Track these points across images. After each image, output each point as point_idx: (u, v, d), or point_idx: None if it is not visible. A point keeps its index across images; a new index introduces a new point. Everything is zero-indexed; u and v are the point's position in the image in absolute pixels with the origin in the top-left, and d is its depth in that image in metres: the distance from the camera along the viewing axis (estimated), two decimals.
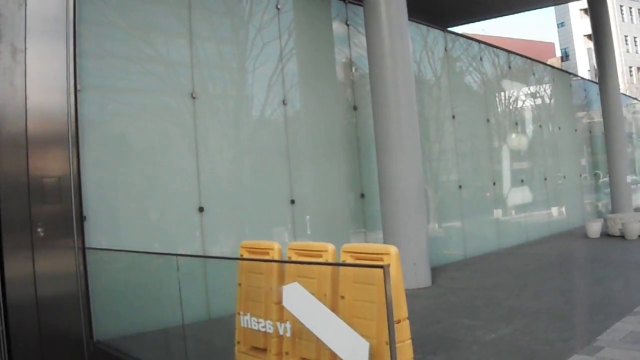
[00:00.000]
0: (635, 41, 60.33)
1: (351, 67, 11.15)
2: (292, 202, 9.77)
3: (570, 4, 56.87)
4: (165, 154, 8.51)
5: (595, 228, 15.05)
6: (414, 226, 9.76)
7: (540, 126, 17.11)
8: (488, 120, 14.49)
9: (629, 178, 19.01)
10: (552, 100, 18.35)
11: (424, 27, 13.05)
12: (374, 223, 10.68)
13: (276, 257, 5.10)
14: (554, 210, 17.30)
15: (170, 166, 8.51)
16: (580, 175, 19.27)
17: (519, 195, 15.47)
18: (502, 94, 15.64)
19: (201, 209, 8.60)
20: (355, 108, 11.03)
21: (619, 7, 59.02)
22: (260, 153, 9.64)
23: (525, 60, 16.97)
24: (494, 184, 14.39)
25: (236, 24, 9.71)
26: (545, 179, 16.93)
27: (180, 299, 5.56)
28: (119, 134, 8.17)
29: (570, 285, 8.77)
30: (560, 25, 62.02)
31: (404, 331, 4.07)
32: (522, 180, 15.66)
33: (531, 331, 6.37)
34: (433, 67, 13.21)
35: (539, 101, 17.52)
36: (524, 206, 15.67)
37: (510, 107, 15.88)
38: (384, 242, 9.90)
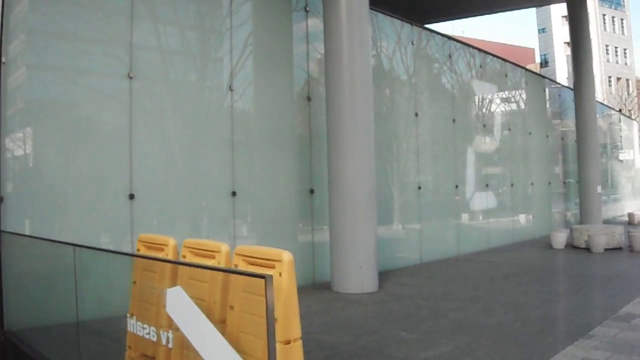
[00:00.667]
0: (616, 51, 60.33)
1: (307, 56, 10.36)
2: (234, 194, 8.98)
3: (553, 10, 56.85)
4: (97, 136, 7.75)
5: (560, 239, 14.46)
6: (363, 227, 9.07)
7: (509, 129, 16.47)
8: (454, 121, 13.80)
9: (599, 188, 18.45)
10: (525, 105, 17.73)
11: (397, 22, 12.40)
12: (322, 221, 9.95)
13: (170, 255, 4.34)
14: (520, 218, 16.69)
15: (100, 149, 7.73)
16: (549, 183, 18.64)
17: (482, 200, 14.83)
18: (472, 94, 14.96)
19: (132, 196, 7.81)
20: (309, 99, 10.25)
21: (601, 16, 58.99)
22: (202, 141, 8.84)
23: (499, 62, 16.31)
24: (457, 187, 13.72)
25: (192, 7, 8.94)
26: (512, 184, 16.31)
27: (76, 293, 4.93)
28: (48, 113, 7.39)
29: (525, 300, 8.08)
30: (541, 31, 61.83)
31: (294, 355, 3.31)
32: (487, 185, 15.01)
33: (472, 350, 5.66)
34: (405, 64, 12.50)
35: (510, 104, 16.90)
36: (488, 212, 15.04)
37: (480, 108, 15.22)
38: (330, 243, 9.23)
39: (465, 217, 14.05)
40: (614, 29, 60.70)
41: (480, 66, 15.26)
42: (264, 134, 9.60)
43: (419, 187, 12.42)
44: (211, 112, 9.04)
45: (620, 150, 28.97)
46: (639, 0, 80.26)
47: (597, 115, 25.62)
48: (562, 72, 55.51)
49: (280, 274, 3.23)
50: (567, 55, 55.72)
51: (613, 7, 60.90)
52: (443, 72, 13.90)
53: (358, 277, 8.91)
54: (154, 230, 8.16)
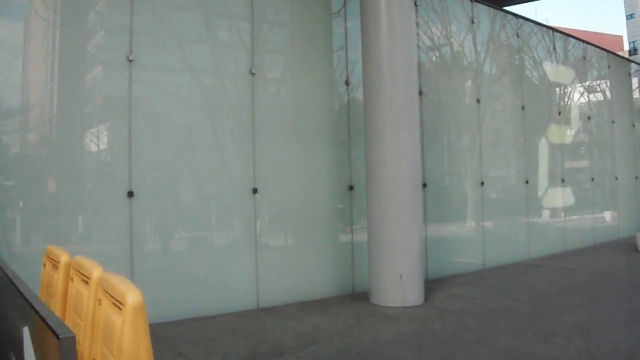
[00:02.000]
0: None
1: (346, 34, 9.12)
2: (255, 191, 7.86)
3: None
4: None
5: None
6: (405, 229, 7.79)
7: (589, 118, 14.69)
8: (523, 108, 12.23)
9: None
10: (607, 91, 15.86)
11: (467, 2, 11.05)
12: (364, 221, 8.67)
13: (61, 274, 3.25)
14: (602, 216, 14.87)
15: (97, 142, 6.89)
16: (637, 178, 16.65)
17: (558, 197, 13.18)
18: (546, 79, 13.32)
19: (131, 194, 6.82)
20: (347, 83, 9.00)
21: None
22: (217, 131, 7.79)
23: (577, 44, 14.55)
24: (527, 182, 12.15)
25: None
26: (593, 179, 14.52)
27: None
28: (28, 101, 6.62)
29: (598, 321, 6.61)
30: (629, 17, 58.06)
31: None
32: (563, 180, 13.32)
33: None
34: (469, 46, 11.15)
35: (591, 90, 15.08)
36: (565, 209, 13.38)
37: (554, 94, 13.54)
38: (368, 247, 7.98)
39: (537, 215, 12.47)
40: None
41: (554, 48, 13.57)
42: (294, 124, 8.46)
43: (482, 183, 10.96)
44: (229, 99, 7.92)
45: None
46: None
47: None
48: None
49: (122, 323, 2.04)
50: None
51: None
52: (513, 55, 12.34)
53: (398, 288, 7.63)
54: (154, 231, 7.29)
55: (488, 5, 11.67)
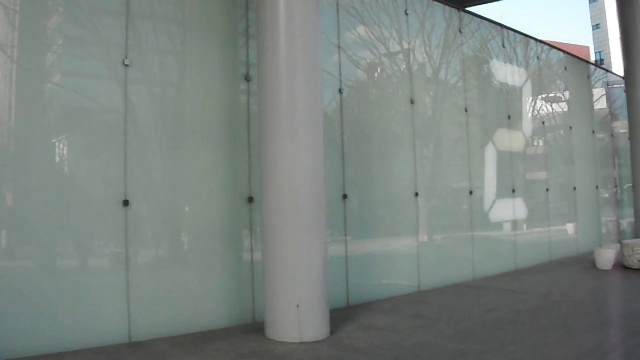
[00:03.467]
0: None
1: (247, 25, 7.73)
2: (126, 203, 6.43)
3: (607, 5, 52.82)
4: None
5: (606, 257, 11.43)
6: (304, 249, 6.40)
7: (543, 123, 13.43)
8: (466, 111, 10.94)
9: None
10: (564, 93, 14.66)
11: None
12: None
13: None
14: (559, 230, 13.58)
15: None
16: (597, 188, 15.44)
17: (508, 210, 11.87)
18: (492, 77, 12.04)
19: None
20: (247, 78, 7.59)
21: None
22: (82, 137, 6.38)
23: (527, 40, 13.31)
24: (471, 193, 10.82)
25: None
26: (548, 189, 13.23)
27: None
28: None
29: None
30: (596, 27, 57.71)
31: None
32: (514, 191, 12.01)
33: None
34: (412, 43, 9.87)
35: (544, 92, 13.85)
36: (516, 223, 12.07)
37: (503, 96, 12.25)
38: (263, 270, 6.60)
39: (483, 230, 11.14)
40: None
41: (504, 45, 12.31)
42: (179, 126, 7.05)
43: (417, 194, 9.61)
44: (91, 96, 6.48)
45: None
46: None
47: None
48: (620, 70, 51.30)
49: None
50: None
51: None
52: (454, 53, 11.04)
53: (295, 320, 6.22)
54: None
55: (446, 4, 10.50)
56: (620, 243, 11.96)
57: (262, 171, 6.58)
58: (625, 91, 15.37)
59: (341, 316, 7.34)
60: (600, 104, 16.95)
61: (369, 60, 9.32)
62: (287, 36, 6.55)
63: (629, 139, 15.26)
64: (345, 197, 8.43)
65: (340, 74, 8.71)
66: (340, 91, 8.64)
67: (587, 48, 58.50)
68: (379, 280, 8.92)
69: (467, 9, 12.07)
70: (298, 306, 6.21)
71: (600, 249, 11.69)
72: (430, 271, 9.68)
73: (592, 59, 55.94)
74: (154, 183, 6.85)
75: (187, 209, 7.02)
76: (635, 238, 14.72)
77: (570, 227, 14.10)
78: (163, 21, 7.10)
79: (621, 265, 11.41)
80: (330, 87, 8.50)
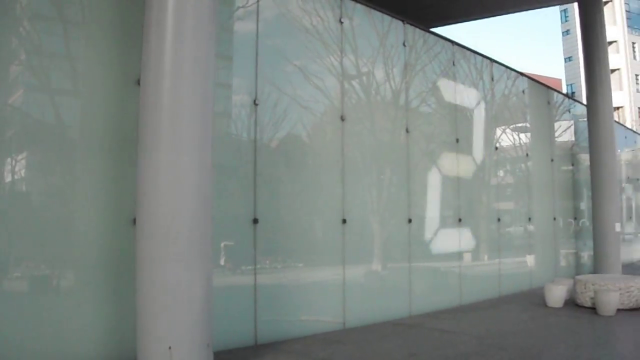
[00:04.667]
0: None
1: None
2: None
3: (580, 38, 52.84)
4: None
5: (557, 294, 10.55)
6: (179, 280, 5.36)
7: (496, 149, 12.58)
8: (407, 131, 10.05)
9: (619, 226, 14.35)
10: (521, 118, 13.89)
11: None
12: None
13: None
14: (510, 262, 12.69)
15: None
16: (554, 219, 14.62)
17: (453, 240, 10.96)
18: (439, 98, 11.18)
19: None
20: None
21: (630, 45, 54.78)
22: None
23: (482, 61, 12.51)
24: (410, 221, 9.89)
25: None
26: (499, 219, 12.36)
27: None
28: None
29: None
30: (568, 60, 57.75)
31: None
32: (460, 220, 11.10)
33: None
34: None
35: (499, 116, 13.04)
36: (462, 255, 11.15)
37: (451, 117, 11.40)
38: (136, 302, 5.54)
39: (424, 261, 10.21)
40: None
41: (454, 63, 11.49)
42: (47, 133, 6.04)
43: (344, 220, 8.67)
44: None
45: None
46: None
47: (630, 149, 21.93)
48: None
49: None
50: None
51: None
52: (392, 68, 10.18)
53: None
54: None
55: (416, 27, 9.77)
56: (574, 279, 11.06)
57: (137, 188, 5.57)
58: (587, 113, 14.61)
59: (238, 358, 6.33)
60: (568, 136, 16.25)
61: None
62: (175, 36, 5.60)
63: (590, 169, 14.53)
64: (255, 221, 7.44)
65: (256, 85, 7.78)
66: (255, 102, 7.70)
67: (559, 80, 58.56)
68: (295, 316, 7.94)
69: (432, 29, 11.40)
70: (170, 348, 5.19)
71: (550, 284, 10.81)
72: (358, 306, 8.70)
73: (565, 90, 55.92)
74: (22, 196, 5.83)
75: (57, 232, 5.97)
76: (594, 272, 13.93)
77: (523, 260, 13.22)
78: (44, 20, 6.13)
79: (574, 303, 10.53)
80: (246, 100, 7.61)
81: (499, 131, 12.88)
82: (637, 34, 56.11)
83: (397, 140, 9.96)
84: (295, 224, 8.19)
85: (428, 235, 10.36)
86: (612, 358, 6.75)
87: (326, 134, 8.78)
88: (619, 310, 9.66)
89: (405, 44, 10.24)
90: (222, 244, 7.16)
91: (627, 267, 16.57)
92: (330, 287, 8.51)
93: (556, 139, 15.50)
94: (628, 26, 55.14)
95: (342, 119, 8.83)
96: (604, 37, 14.93)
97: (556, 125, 15.64)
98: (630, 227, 21.24)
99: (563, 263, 15.38)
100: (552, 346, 7.33)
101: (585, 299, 10.29)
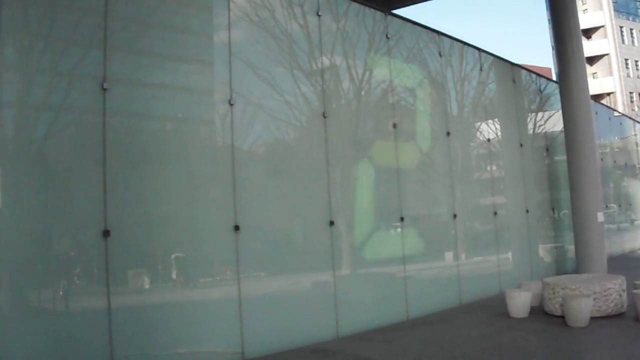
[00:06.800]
0: (636, 65, 53.97)
1: None
2: None
3: None
4: None
5: (521, 302, 8.83)
6: None
7: (448, 134, 10.78)
8: (324, 116, 8.32)
9: (601, 216, 12.51)
10: (483, 100, 12.14)
11: None
12: None
13: None
14: (473, 264, 10.92)
15: None
16: (527, 211, 12.84)
17: (393, 242, 9.21)
18: (369, 76, 9.43)
19: None
20: None
21: (618, 28, 53.03)
22: None
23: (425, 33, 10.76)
24: (332, 223, 8.14)
25: None
26: (455, 215, 10.57)
27: None
28: None
29: None
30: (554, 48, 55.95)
31: None
32: (402, 219, 9.33)
33: None
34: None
35: (452, 96, 11.27)
36: (406, 259, 9.36)
37: (386, 98, 9.63)
38: None
39: (355, 268, 8.48)
40: (632, 41, 54.43)
41: (387, 36, 9.74)
42: None
43: (237, 227, 6.95)
44: None
45: None
46: None
47: (619, 137, 20.33)
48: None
49: None
50: (592, 74, 50.12)
51: (630, 18, 54.82)
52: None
53: None
54: None
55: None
56: (543, 282, 9.29)
57: None
58: (559, 92, 12.84)
59: None
60: (542, 119, 14.54)
61: None
62: None
63: (566, 154, 12.76)
64: (107, 233, 5.75)
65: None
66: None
67: (549, 69, 56.73)
68: (173, 348, 6.22)
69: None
70: None
71: (512, 291, 9.06)
72: (262, 331, 7.00)
73: (554, 79, 53.96)
74: None
75: None
76: (576, 267, 12.15)
77: (489, 260, 11.46)
78: None
79: (542, 311, 8.81)
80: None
81: (452, 114, 11.10)
82: (624, 17, 54.34)
83: (313, 128, 8.25)
84: (185, 232, 6.52)
85: (359, 238, 8.59)
86: None
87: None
88: (593, 318, 7.94)
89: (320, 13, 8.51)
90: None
91: (617, 260, 14.90)
92: (223, 310, 6.81)
93: (534, 123, 13.82)
94: (615, 10, 53.38)
95: (231, 103, 7.10)
96: (575, 12, 13.10)
97: (527, 107, 13.91)
98: (620, 216, 19.49)
99: (548, 259, 13.64)
100: None
101: (554, 306, 8.58)
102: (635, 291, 8.17)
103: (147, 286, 6.35)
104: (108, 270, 5.82)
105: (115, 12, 6.20)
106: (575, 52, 12.58)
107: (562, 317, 8.12)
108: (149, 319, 6.20)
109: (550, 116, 14.70)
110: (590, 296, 8.09)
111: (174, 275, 6.58)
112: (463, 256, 10.63)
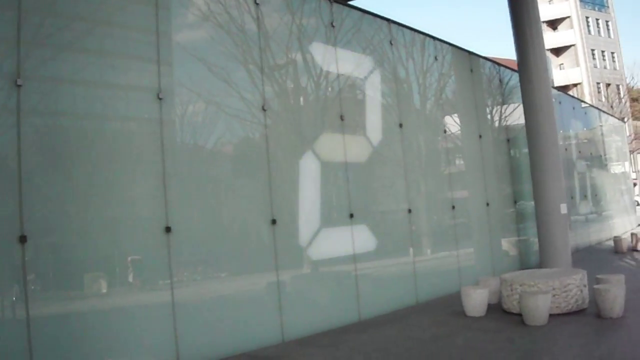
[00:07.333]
0: (603, 55, 54.29)
1: None
2: None
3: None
4: None
5: (477, 299, 8.38)
6: None
7: (400, 126, 10.30)
8: (264, 109, 7.80)
9: (564, 207, 12.09)
10: (437, 88, 11.70)
11: None
12: None
13: None
14: (427, 262, 10.48)
15: None
16: (487, 205, 12.45)
17: (342, 240, 8.72)
18: (313, 64, 8.93)
19: None
20: None
21: (584, 19, 53.30)
22: None
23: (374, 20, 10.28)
24: (274, 222, 7.63)
25: None
26: (410, 210, 10.11)
27: None
28: None
29: None
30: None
31: None
32: (352, 215, 8.84)
33: None
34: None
35: (404, 87, 10.81)
36: (357, 258, 8.88)
37: (330, 87, 9.13)
38: None
39: (301, 269, 7.98)
40: (599, 31, 54.76)
41: (332, 24, 9.24)
42: None
43: (168, 228, 6.43)
44: None
45: (613, 163, 23.08)
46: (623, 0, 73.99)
47: (585, 128, 20.14)
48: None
49: None
50: (559, 65, 50.36)
51: (596, 8, 55.13)
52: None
53: None
54: None
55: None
56: (500, 278, 8.88)
57: None
58: (519, 81, 12.40)
59: None
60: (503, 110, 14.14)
61: None
62: None
63: (527, 144, 12.34)
64: (23, 239, 5.20)
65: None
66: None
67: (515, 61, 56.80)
68: (100, 359, 5.69)
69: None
70: None
71: (468, 288, 8.62)
72: (199, 338, 6.47)
73: None
74: None
75: None
76: (540, 261, 11.75)
77: (447, 256, 11.03)
78: None
79: (501, 309, 8.41)
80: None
81: (405, 105, 10.63)
82: (589, 7, 54.63)
83: (253, 121, 7.73)
84: (101, 237, 5.94)
85: (304, 237, 8.08)
86: None
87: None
88: (552, 316, 7.54)
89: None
90: None
91: (583, 252, 14.64)
92: (156, 314, 6.29)
93: (495, 114, 13.43)
94: (581, 0, 53.64)
95: (159, 98, 6.56)
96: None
97: (487, 97, 13.51)
98: (587, 207, 19.23)
99: (512, 253, 13.26)
100: None
101: (512, 304, 8.17)
102: (596, 286, 7.78)
103: (70, 293, 5.81)
104: (25, 278, 5.28)
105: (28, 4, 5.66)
106: (534, 38, 12.12)
107: (520, 315, 7.69)
108: (73, 328, 5.66)
109: (515, 108, 14.28)
110: (549, 292, 7.68)
111: (100, 282, 6.03)
112: (420, 253, 10.17)
